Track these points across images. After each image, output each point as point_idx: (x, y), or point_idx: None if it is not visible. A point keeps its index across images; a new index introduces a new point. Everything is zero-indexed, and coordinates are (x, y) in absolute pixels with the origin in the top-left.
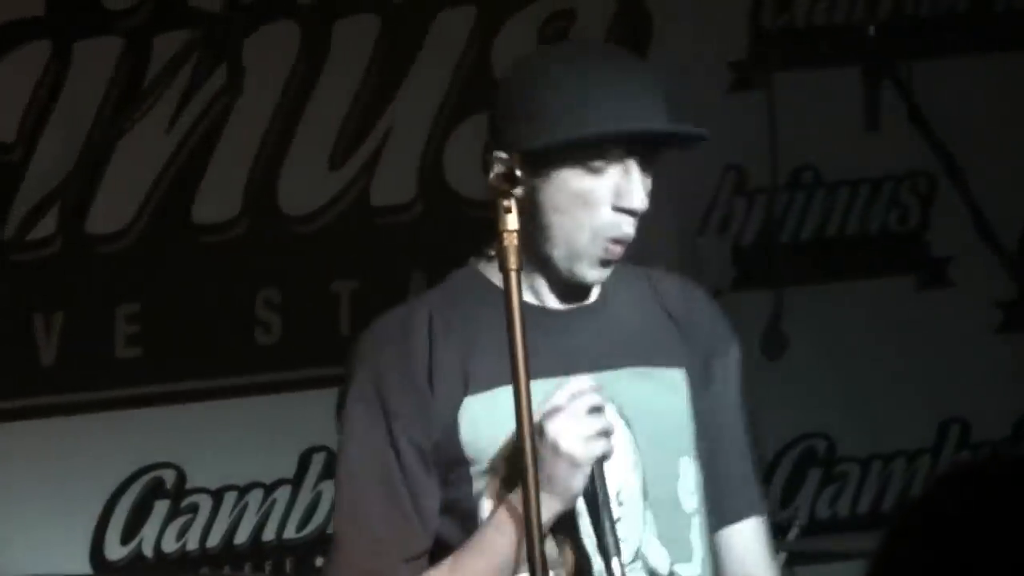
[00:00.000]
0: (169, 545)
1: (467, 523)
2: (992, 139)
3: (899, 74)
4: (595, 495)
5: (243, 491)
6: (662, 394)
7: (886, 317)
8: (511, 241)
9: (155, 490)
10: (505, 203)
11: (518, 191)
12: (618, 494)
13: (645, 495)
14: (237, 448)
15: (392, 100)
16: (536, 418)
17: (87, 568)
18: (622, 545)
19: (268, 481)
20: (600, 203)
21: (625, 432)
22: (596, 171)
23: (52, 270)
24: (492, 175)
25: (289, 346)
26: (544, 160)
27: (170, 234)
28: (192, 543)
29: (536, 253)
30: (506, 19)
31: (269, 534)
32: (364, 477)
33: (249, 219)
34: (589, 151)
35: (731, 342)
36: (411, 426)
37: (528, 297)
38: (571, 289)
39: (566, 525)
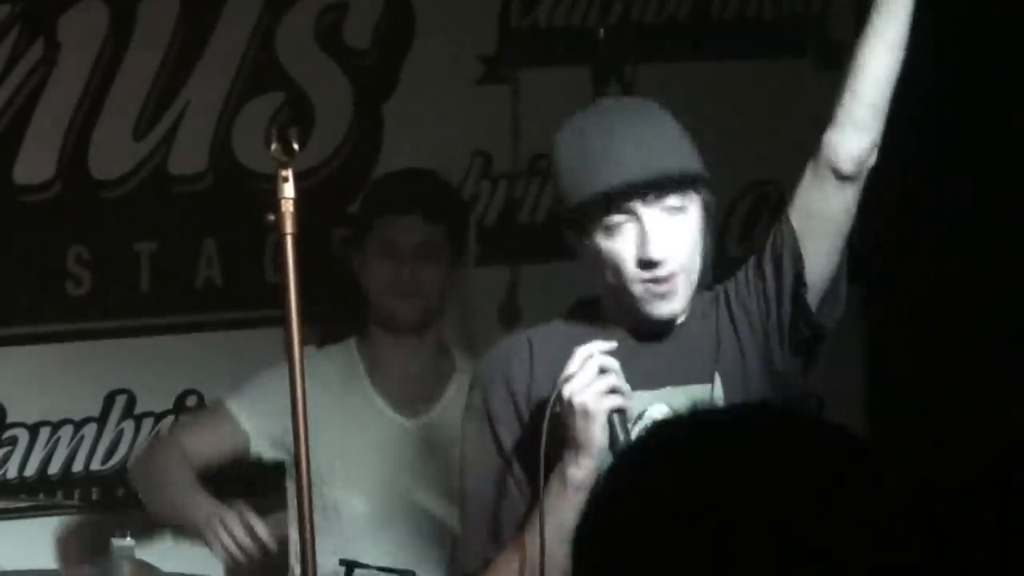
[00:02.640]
0: None
1: None
2: (710, 143)
3: (624, 77)
4: (616, 447)
5: (56, 427)
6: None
7: None
8: (287, 208)
9: None
10: (283, 173)
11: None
12: None
13: None
14: (51, 388)
15: (188, 79)
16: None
17: None
18: None
19: (77, 419)
20: (623, 262)
21: None
22: (613, 230)
23: None
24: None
25: (97, 298)
26: (581, 220)
27: None
28: (12, 472)
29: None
30: (287, 9)
31: (78, 466)
32: (479, 472)
33: (63, 182)
34: (600, 210)
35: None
36: (508, 428)
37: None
38: (653, 323)
39: None
